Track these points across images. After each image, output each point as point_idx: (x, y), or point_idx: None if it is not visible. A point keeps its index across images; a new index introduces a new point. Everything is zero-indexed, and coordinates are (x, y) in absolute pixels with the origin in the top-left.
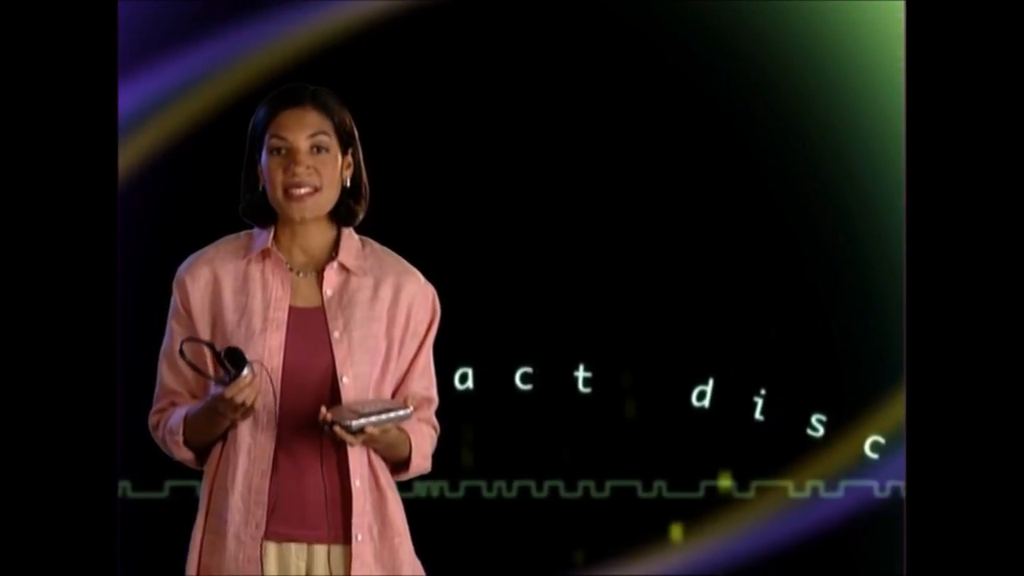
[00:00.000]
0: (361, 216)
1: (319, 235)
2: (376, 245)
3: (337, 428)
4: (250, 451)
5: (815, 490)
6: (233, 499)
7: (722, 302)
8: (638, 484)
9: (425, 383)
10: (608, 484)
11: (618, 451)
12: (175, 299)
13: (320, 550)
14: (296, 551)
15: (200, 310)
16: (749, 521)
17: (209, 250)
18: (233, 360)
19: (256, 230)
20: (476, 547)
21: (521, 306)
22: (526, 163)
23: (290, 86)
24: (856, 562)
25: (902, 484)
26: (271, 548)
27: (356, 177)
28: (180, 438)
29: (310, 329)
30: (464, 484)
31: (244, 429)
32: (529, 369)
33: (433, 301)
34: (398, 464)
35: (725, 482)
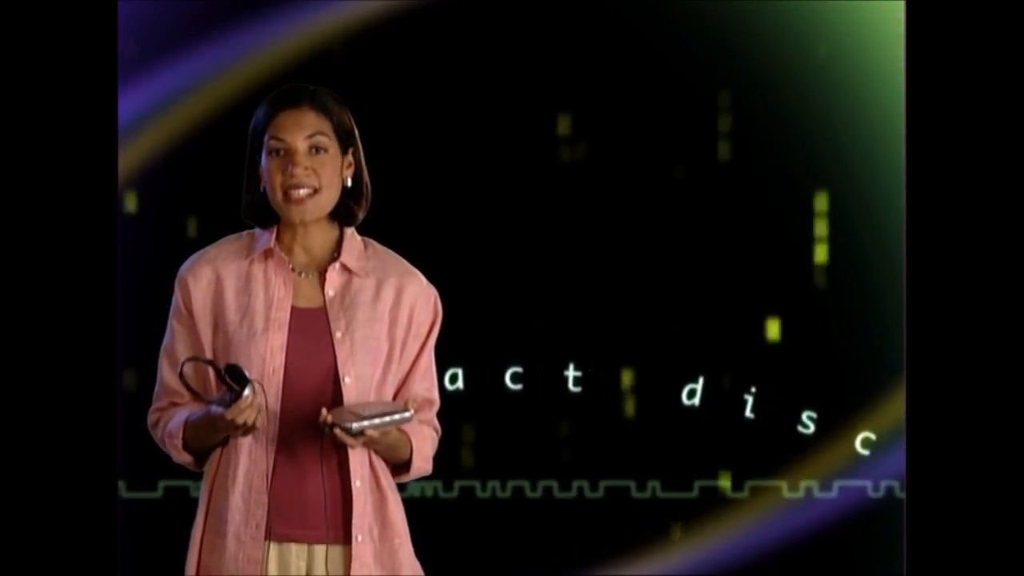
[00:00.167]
0: (361, 216)
1: (321, 236)
2: (378, 246)
3: (337, 430)
4: (251, 451)
5: (809, 490)
6: (233, 499)
7: (711, 300)
8: (632, 484)
9: (427, 384)
10: (602, 484)
11: (610, 450)
12: (177, 298)
13: (320, 550)
14: (296, 551)
15: (202, 310)
16: (743, 521)
17: (211, 250)
18: (234, 377)
19: (258, 230)
20: (471, 547)
21: (510, 306)
22: (517, 163)
23: (289, 87)
24: (850, 562)
25: (896, 484)
26: (271, 548)
27: (357, 177)
28: (179, 442)
29: (312, 329)
30: (458, 484)
31: None
32: (519, 369)
33: (435, 303)
34: (399, 466)
35: (724, 482)
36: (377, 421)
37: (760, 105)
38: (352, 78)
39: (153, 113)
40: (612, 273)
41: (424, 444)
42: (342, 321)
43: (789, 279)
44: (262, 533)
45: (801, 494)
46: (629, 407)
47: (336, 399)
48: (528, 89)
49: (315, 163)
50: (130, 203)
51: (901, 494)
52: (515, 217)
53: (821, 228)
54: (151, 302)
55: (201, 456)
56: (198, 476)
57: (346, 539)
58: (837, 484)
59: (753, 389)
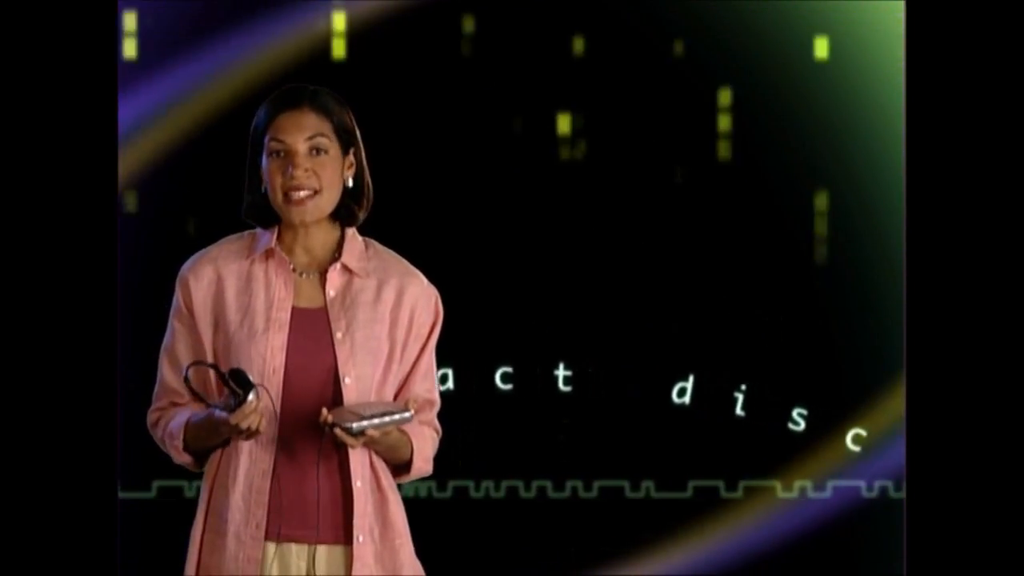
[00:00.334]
0: (363, 216)
1: (322, 236)
2: (379, 246)
3: (338, 430)
4: (251, 451)
5: (803, 490)
6: (234, 499)
7: (699, 298)
8: (626, 484)
9: (428, 385)
10: (596, 484)
11: (602, 450)
12: (177, 297)
13: (321, 551)
14: (296, 551)
15: (202, 309)
16: (737, 521)
17: (212, 249)
18: (238, 382)
19: (260, 230)
20: (465, 548)
21: (499, 306)
22: (514, 163)
23: (290, 87)
24: (845, 562)
25: (890, 483)
26: (271, 548)
27: (358, 177)
28: (180, 443)
29: (313, 330)
30: (452, 484)
31: None
32: (509, 369)
33: (436, 303)
34: (399, 466)
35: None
36: (377, 421)
37: (760, 105)
38: (352, 78)
39: (153, 114)
40: (602, 272)
41: (425, 444)
42: (343, 321)
43: (786, 278)
44: (262, 533)
45: (795, 494)
46: (617, 406)
47: (336, 399)
48: (528, 89)
49: (315, 164)
50: (130, 203)
51: (895, 494)
52: (504, 217)
53: (821, 228)
54: (151, 302)
55: (201, 457)
56: (192, 476)
57: (347, 539)
58: (831, 484)
59: (743, 387)
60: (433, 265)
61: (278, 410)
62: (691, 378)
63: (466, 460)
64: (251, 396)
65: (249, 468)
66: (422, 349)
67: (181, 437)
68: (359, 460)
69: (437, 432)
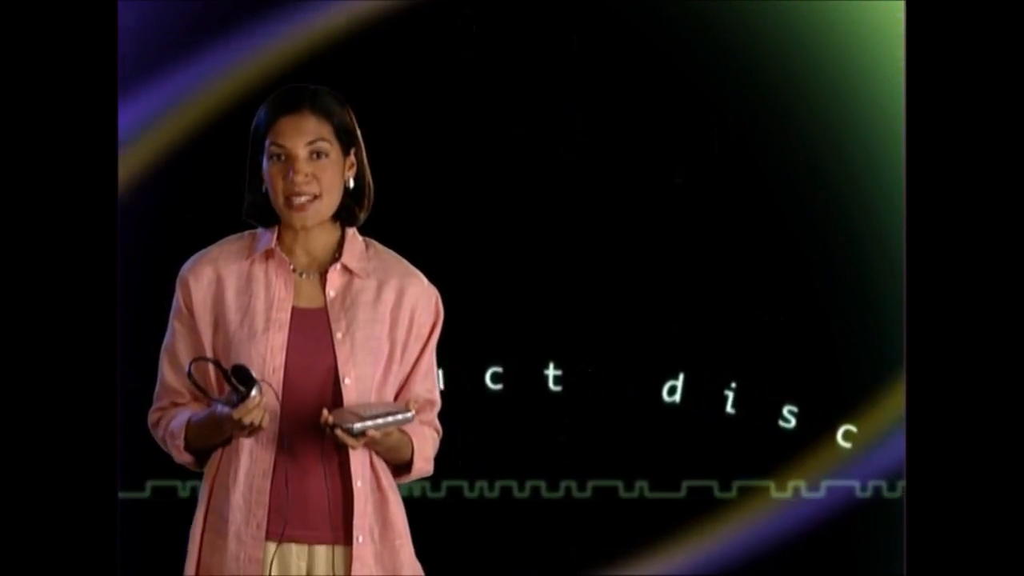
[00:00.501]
0: (363, 217)
1: (323, 236)
2: (380, 247)
3: (338, 431)
4: (252, 451)
5: (796, 490)
6: (234, 498)
7: (688, 296)
8: (620, 484)
9: (428, 385)
10: (590, 484)
11: (595, 449)
12: (178, 298)
13: (321, 551)
14: (297, 551)
15: (202, 309)
16: (731, 521)
17: (213, 250)
18: (240, 378)
19: (260, 230)
20: (459, 548)
21: (488, 306)
22: (501, 164)
23: (290, 88)
24: (839, 563)
25: (884, 483)
26: (272, 548)
27: (359, 177)
28: (181, 443)
29: (313, 330)
30: (446, 484)
31: None
32: (499, 368)
33: (436, 303)
34: (400, 466)
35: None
36: (379, 421)
37: (760, 105)
38: (352, 78)
39: (154, 114)
40: (592, 271)
41: (425, 445)
42: (343, 322)
43: (777, 277)
44: (263, 533)
45: (789, 494)
46: (608, 405)
47: (336, 400)
48: (527, 89)
49: (316, 169)
50: (130, 203)
51: (889, 494)
52: (492, 217)
53: (819, 227)
54: (151, 302)
55: (202, 456)
56: (187, 476)
57: (347, 539)
58: (825, 484)
59: (733, 385)
60: (422, 265)
61: (278, 410)
62: (681, 376)
63: (460, 460)
64: (254, 391)
65: (250, 468)
66: (422, 349)
67: (182, 436)
68: (359, 460)
69: (438, 432)
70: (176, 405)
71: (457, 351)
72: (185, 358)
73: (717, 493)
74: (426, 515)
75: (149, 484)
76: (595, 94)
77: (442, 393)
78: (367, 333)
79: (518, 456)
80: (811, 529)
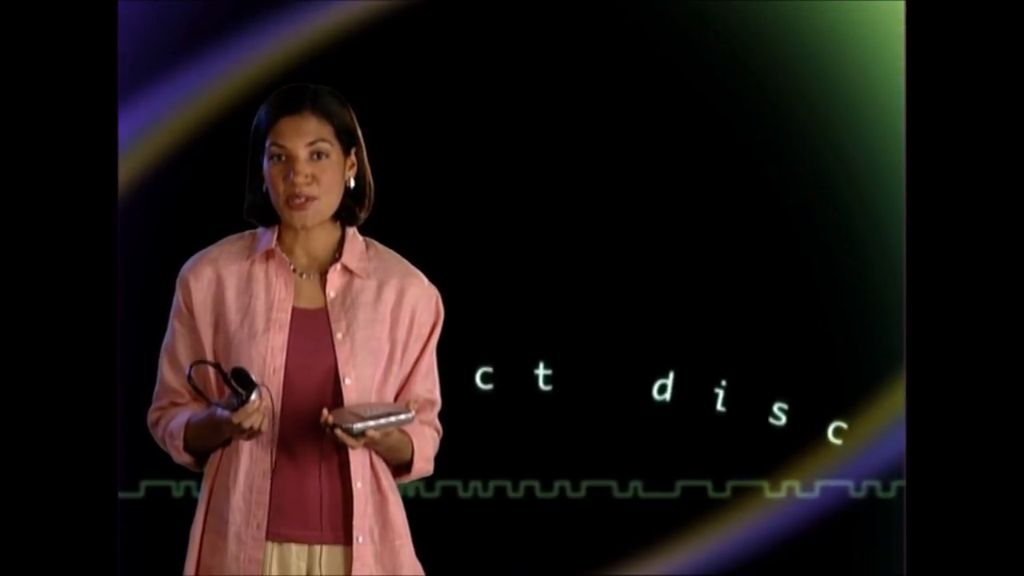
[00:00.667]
0: (364, 217)
1: (323, 236)
2: (380, 247)
3: (338, 431)
4: (252, 451)
5: (790, 490)
6: (234, 499)
7: (676, 294)
8: (614, 484)
9: (428, 385)
10: (584, 484)
11: (586, 449)
12: (178, 298)
13: (321, 551)
14: (297, 552)
15: (202, 309)
16: (725, 521)
17: (213, 250)
18: (240, 381)
19: (260, 230)
20: (453, 548)
21: (477, 306)
22: (493, 163)
23: (290, 88)
24: (833, 563)
25: (878, 483)
26: (272, 549)
27: (360, 177)
28: (180, 443)
29: (313, 330)
30: (440, 484)
31: None
32: (489, 369)
33: (437, 303)
34: (400, 466)
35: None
36: (380, 422)
37: (760, 105)
38: (352, 78)
39: (154, 114)
40: (581, 270)
41: (425, 445)
42: (343, 322)
43: (768, 275)
44: (263, 533)
45: (783, 494)
46: (599, 404)
47: (336, 400)
48: (526, 89)
49: (316, 170)
50: (131, 204)
51: (883, 494)
52: (483, 217)
53: (819, 227)
54: (151, 302)
55: (201, 457)
56: (181, 476)
57: (347, 540)
58: (818, 484)
59: (723, 382)
60: (412, 264)
61: (278, 410)
62: (671, 375)
63: (454, 461)
64: (254, 395)
65: (249, 468)
66: (423, 349)
67: (182, 437)
68: (359, 461)
69: (438, 432)
70: (175, 405)
71: (447, 351)
72: (185, 358)
73: (711, 493)
74: (420, 515)
75: (143, 484)
76: (594, 94)
77: None
78: (367, 333)
79: (511, 456)
80: (805, 529)
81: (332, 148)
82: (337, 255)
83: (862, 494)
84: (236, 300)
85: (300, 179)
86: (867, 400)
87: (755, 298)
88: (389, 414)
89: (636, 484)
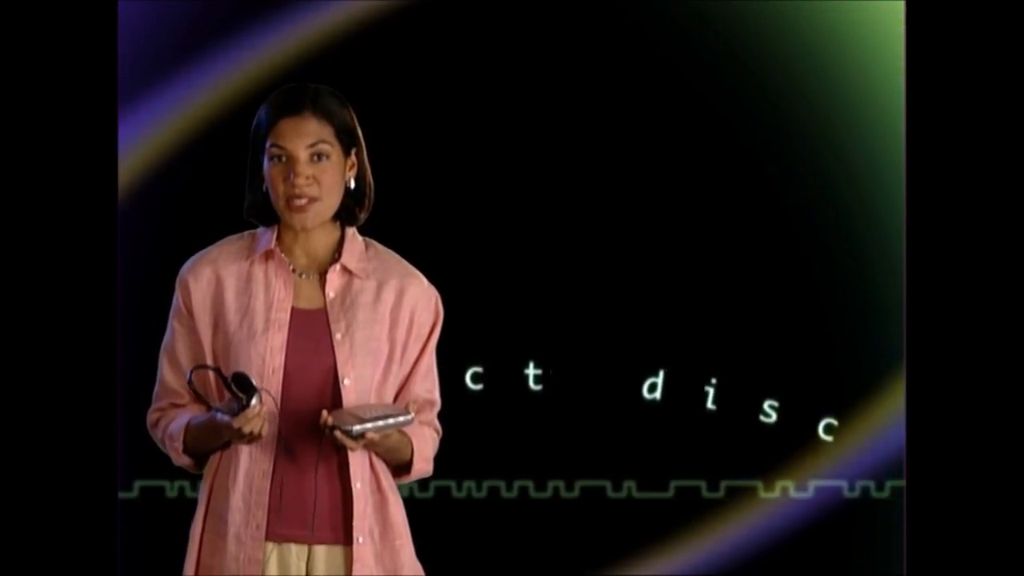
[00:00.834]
0: (363, 217)
1: (322, 237)
2: (380, 247)
3: (337, 432)
4: (251, 452)
5: (785, 490)
6: (234, 499)
7: (666, 293)
8: (608, 484)
9: (428, 386)
10: (577, 484)
11: (578, 449)
12: (177, 298)
13: (320, 551)
14: (296, 552)
15: (201, 310)
16: (720, 521)
17: (212, 250)
18: (241, 385)
19: (260, 230)
20: (447, 548)
21: (467, 306)
22: (488, 163)
23: (290, 88)
24: (827, 563)
25: (872, 484)
26: (271, 549)
27: (360, 177)
28: (180, 445)
29: (312, 330)
30: (434, 484)
31: None
32: (479, 369)
33: (436, 304)
34: (400, 467)
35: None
36: (379, 424)
37: (760, 105)
38: (352, 78)
39: (154, 115)
40: (570, 269)
41: (425, 445)
42: (342, 323)
43: (760, 273)
44: (263, 534)
45: (777, 494)
46: (589, 404)
47: (336, 400)
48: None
49: (316, 171)
50: (131, 204)
51: (877, 494)
52: (473, 217)
53: (821, 227)
54: (151, 302)
55: (201, 459)
56: (175, 476)
57: (347, 540)
58: (813, 484)
59: (713, 380)
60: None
61: (278, 411)
62: (661, 374)
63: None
64: (254, 401)
65: (249, 469)
66: (422, 349)
67: (181, 439)
68: (359, 461)
69: (437, 432)
70: (175, 406)
71: (437, 352)
72: (185, 358)
73: (705, 493)
74: (415, 515)
75: (137, 484)
76: (594, 94)
77: None
78: (367, 334)
79: (503, 456)
80: (799, 529)
81: (332, 149)
82: (336, 255)
83: (856, 494)
84: (235, 300)
85: (301, 180)
86: (860, 399)
87: (750, 297)
88: (388, 416)
89: (630, 484)
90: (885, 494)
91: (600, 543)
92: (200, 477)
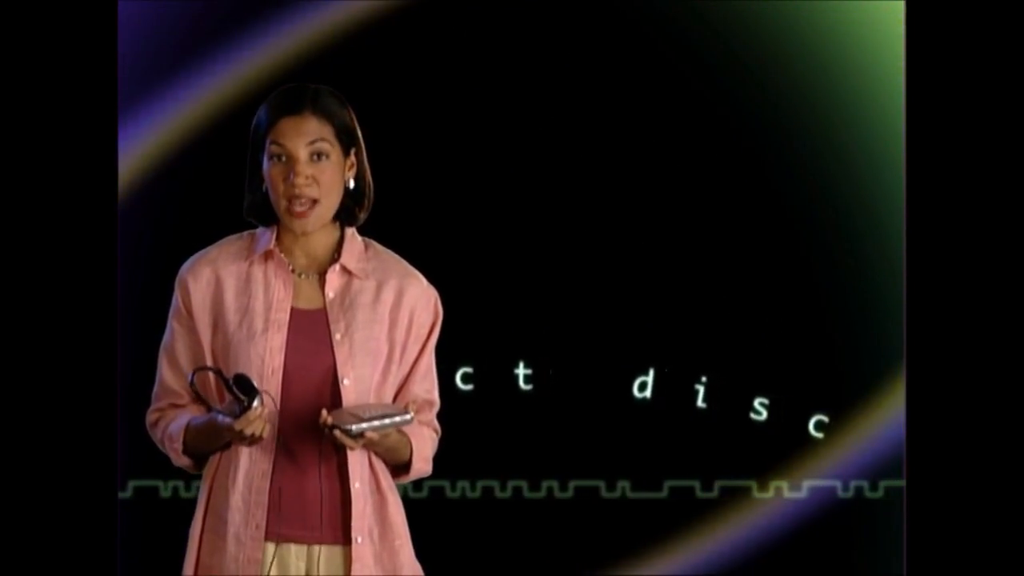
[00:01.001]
0: (363, 217)
1: (322, 237)
2: (379, 247)
3: (337, 432)
4: (251, 452)
5: (778, 490)
6: (233, 499)
7: (655, 291)
8: (602, 484)
9: (427, 386)
10: (571, 484)
11: (570, 448)
12: (176, 298)
13: (320, 551)
14: (296, 552)
15: (201, 310)
16: (714, 522)
17: (212, 250)
18: (242, 387)
19: (259, 231)
20: (441, 548)
21: (456, 306)
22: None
23: (290, 88)
24: (822, 563)
25: (866, 484)
26: (271, 549)
27: (359, 177)
28: (179, 446)
29: (312, 331)
30: (428, 484)
31: None
32: (469, 369)
33: (435, 304)
34: (399, 467)
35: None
36: (377, 423)
37: (760, 105)
38: (351, 79)
39: (154, 115)
40: (560, 268)
41: (424, 445)
42: (342, 323)
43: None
44: (262, 534)
45: (771, 494)
46: (580, 403)
47: (335, 401)
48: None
49: (316, 171)
50: (131, 204)
51: (871, 494)
52: (462, 217)
53: (821, 227)
54: (151, 302)
55: (200, 460)
56: (168, 476)
57: (346, 540)
58: (807, 484)
59: (704, 378)
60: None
61: (278, 411)
62: (651, 372)
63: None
64: (256, 403)
65: (249, 469)
66: (421, 350)
67: (181, 440)
68: (358, 461)
69: (437, 432)
70: (175, 407)
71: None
72: (184, 359)
73: (699, 493)
74: (409, 516)
75: (131, 484)
76: (594, 94)
77: None
78: (366, 334)
79: (496, 457)
80: (793, 529)
81: (332, 149)
82: (336, 256)
83: (850, 494)
84: (235, 301)
85: (300, 180)
86: (856, 399)
87: (750, 296)
88: (388, 415)
89: (624, 484)
90: (879, 494)
91: (594, 543)
92: (199, 477)
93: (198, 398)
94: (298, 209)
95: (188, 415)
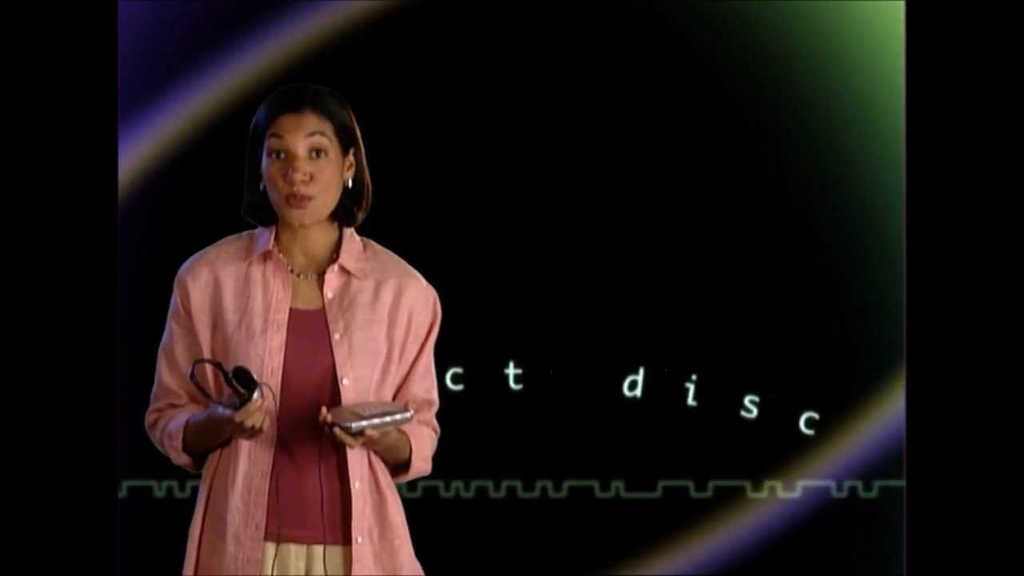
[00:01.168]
0: (361, 217)
1: (321, 237)
2: (378, 247)
3: (337, 430)
4: (250, 451)
5: (772, 490)
6: (233, 499)
7: (646, 290)
8: (596, 484)
9: (426, 385)
10: (565, 484)
11: (563, 449)
12: (175, 299)
13: (320, 551)
14: (296, 552)
15: (200, 310)
16: (708, 521)
17: (210, 251)
18: (242, 380)
19: (258, 231)
20: (436, 548)
21: (446, 306)
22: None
23: (290, 87)
24: (817, 563)
25: (860, 484)
26: (271, 549)
27: (358, 177)
28: (179, 444)
29: (311, 331)
30: (422, 484)
31: None
32: (459, 369)
33: (434, 304)
34: (398, 466)
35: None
36: (377, 421)
37: (760, 105)
38: (351, 79)
39: (154, 115)
40: (552, 267)
41: (423, 444)
42: (341, 323)
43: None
44: (262, 534)
45: (764, 494)
46: (570, 403)
47: (335, 400)
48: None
49: (315, 168)
50: (130, 204)
51: (865, 494)
52: (453, 217)
53: (821, 227)
54: (151, 302)
55: (200, 458)
56: (162, 476)
57: (345, 540)
58: (800, 484)
59: (694, 376)
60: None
61: (277, 411)
62: (641, 371)
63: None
64: (256, 394)
65: (248, 469)
66: (420, 349)
67: (180, 437)
68: (358, 461)
69: (436, 432)
70: (173, 407)
71: None
72: (183, 359)
73: (693, 493)
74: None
75: (125, 484)
76: (594, 94)
77: None
78: (365, 334)
79: (489, 457)
80: (788, 529)
81: (331, 146)
82: (335, 255)
83: (844, 494)
84: (234, 301)
85: (299, 176)
86: (853, 399)
87: (749, 296)
88: (387, 413)
89: (618, 484)
90: (873, 494)
91: (589, 544)
92: (194, 477)
93: (199, 391)
94: (296, 202)
95: (187, 413)
